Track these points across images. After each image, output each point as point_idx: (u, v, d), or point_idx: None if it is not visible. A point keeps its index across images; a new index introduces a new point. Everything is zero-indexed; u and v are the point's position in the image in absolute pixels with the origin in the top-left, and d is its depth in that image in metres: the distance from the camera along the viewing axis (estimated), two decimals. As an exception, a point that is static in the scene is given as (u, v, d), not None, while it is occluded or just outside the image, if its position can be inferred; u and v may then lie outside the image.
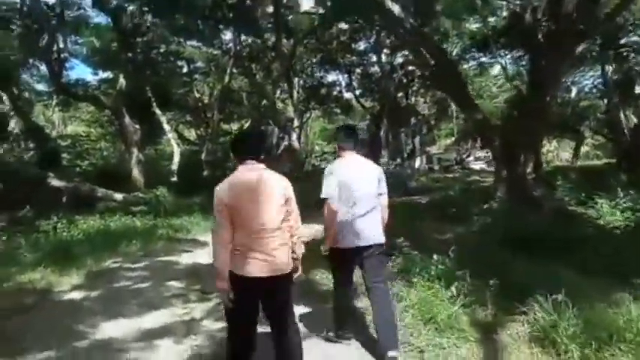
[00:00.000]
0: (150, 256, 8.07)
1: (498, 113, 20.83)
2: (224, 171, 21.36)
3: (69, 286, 6.13)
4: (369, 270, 3.79)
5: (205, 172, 24.01)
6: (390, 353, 3.50)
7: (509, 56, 18.35)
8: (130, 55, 19.05)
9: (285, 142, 27.32)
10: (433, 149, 42.57)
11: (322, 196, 3.70)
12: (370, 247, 3.74)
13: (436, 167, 38.33)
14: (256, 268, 2.95)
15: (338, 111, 31.83)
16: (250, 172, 3.07)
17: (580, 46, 11.69)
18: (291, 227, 3.16)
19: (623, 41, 18.84)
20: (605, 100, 25.56)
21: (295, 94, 20.55)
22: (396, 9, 11.57)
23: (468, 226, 8.82)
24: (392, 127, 28.12)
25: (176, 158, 22.95)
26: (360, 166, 3.83)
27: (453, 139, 44.01)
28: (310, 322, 4.36)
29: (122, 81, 18.28)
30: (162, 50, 21.47)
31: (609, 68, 23.07)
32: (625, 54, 20.62)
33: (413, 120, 29.30)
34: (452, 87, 12.44)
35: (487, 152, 47.61)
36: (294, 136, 20.13)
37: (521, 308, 4.21)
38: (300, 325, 3.90)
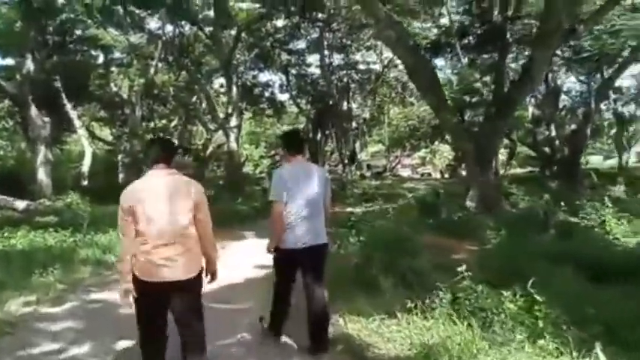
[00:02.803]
0: (77, 292, 5.85)
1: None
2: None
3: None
4: (312, 270, 3.84)
5: (122, 176, 21.70)
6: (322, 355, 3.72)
7: (465, 58, 17.72)
8: (39, 38, 16.10)
9: (214, 144, 25.22)
10: (362, 156, 42.26)
11: (270, 198, 3.79)
12: (316, 247, 3.81)
13: (367, 174, 37.96)
14: (159, 272, 2.94)
15: (269, 113, 30.10)
16: (155, 177, 3.07)
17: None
18: (200, 234, 3.12)
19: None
20: (531, 111, 26.22)
21: (235, 90, 18.50)
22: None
23: (479, 242, 7.53)
24: (331, 131, 26.91)
25: (87, 159, 20.88)
26: (307, 170, 3.92)
27: (382, 146, 44.02)
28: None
29: (30, 65, 15.29)
30: (76, 35, 18.43)
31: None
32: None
33: (354, 124, 28.33)
34: (426, 85, 11.31)
35: (412, 160, 48.53)
36: (232, 138, 18.06)
37: None
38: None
